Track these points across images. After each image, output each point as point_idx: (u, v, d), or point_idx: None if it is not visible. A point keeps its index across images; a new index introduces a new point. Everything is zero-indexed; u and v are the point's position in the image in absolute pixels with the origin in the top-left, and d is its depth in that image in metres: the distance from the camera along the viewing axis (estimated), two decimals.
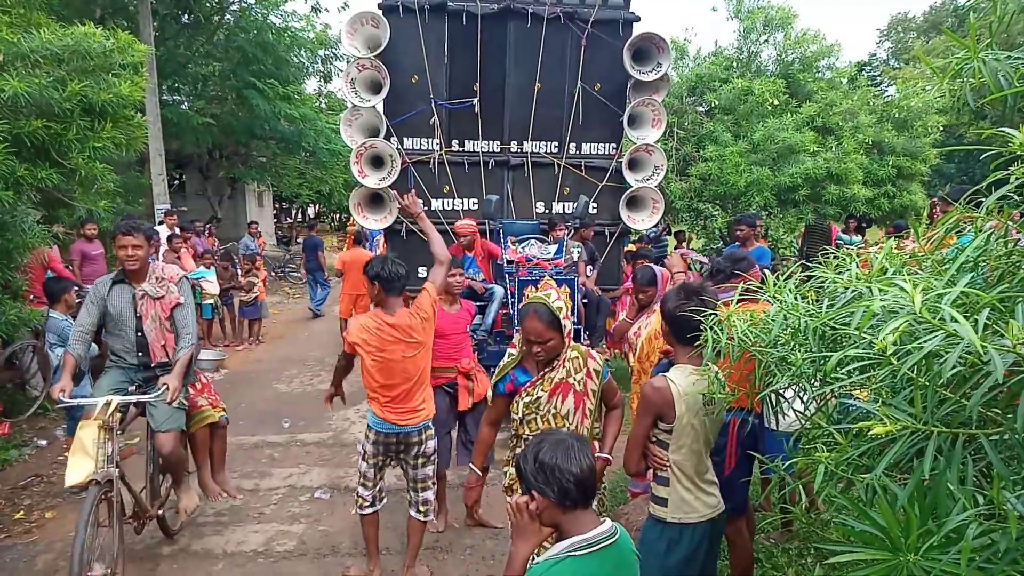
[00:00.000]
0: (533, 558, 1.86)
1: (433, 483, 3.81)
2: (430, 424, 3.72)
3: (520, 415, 2.87)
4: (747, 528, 3.41)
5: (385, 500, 3.85)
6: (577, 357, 2.87)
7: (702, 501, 2.53)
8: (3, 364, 6.16)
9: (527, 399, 2.84)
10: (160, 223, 10.60)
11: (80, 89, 5.00)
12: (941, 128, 13.24)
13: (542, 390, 2.82)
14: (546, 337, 2.71)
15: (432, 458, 3.77)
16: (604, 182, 7.35)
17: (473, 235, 6.29)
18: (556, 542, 1.82)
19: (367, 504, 3.71)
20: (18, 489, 5.03)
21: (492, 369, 5.81)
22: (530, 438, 2.73)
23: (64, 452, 5.41)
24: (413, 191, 3.96)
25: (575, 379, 2.84)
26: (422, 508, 3.75)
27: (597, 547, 1.75)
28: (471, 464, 3.05)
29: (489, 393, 3.01)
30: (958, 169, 22.52)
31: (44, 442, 5.86)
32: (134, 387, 3.93)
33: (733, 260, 3.75)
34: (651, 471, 2.62)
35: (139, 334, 3.89)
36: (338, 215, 28.96)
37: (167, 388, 3.62)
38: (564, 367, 2.82)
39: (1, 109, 4.78)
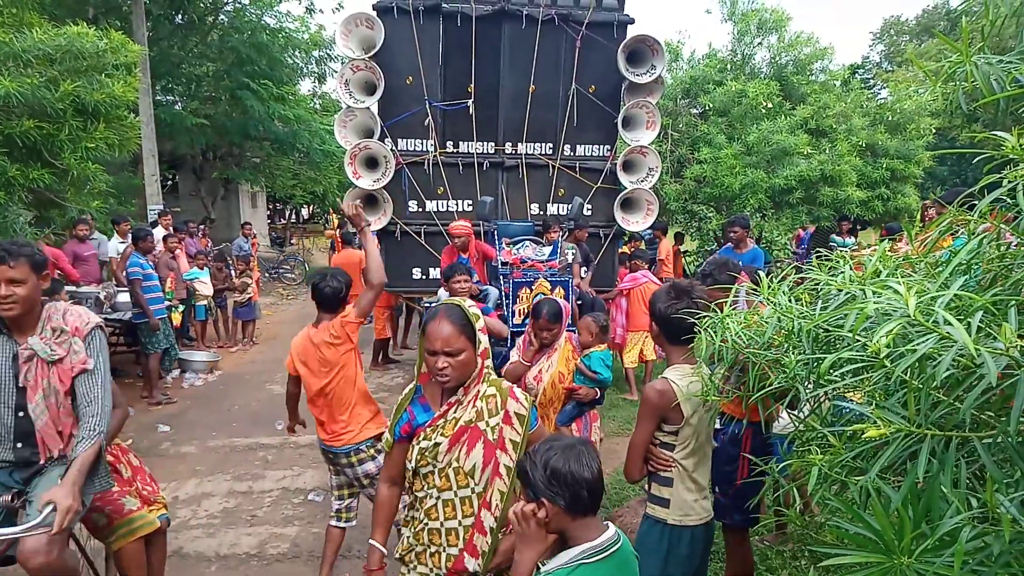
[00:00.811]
0: (538, 567, 1.84)
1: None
2: (362, 447, 3.57)
3: (414, 465, 2.17)
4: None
5: (354, 523, 3.80)
6: (494, 395, 2.16)
7: (700, 504, 2.53)
8: None
9: (424, 444, 2.14)
10: (154, 224, 10.56)
11: (73, 89, 4.99)
12: (934, 131, 13.32)
13: (442, 435, 2.12)
14: (455, 346, 2.06)
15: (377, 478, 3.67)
16: (598, 184, 7.37)
17: (467, 236, 6.29)
18: (560, 549, 1.80)
19: (333, 516, 3.77)
20: None
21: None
22: (427, 496, 2.18)
23: None
24: (359, 203, 3.83)
25: (487, 424, 2.13)
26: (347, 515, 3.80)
27: (606, 553, 1.74)
28: (370, 539, 2.33)
29: (386, 438, 2.33)
30: (951, 172, 22.63)
31: None
32: (11, 496, 2.58)
33: (718, 265, 3.61)
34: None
35: (20, 414, 2.55)
36: (332, 216, 28.95)
37: (53, 509, 2.26)
38: (474, 406, 2.14)
39: None
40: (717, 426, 3.18)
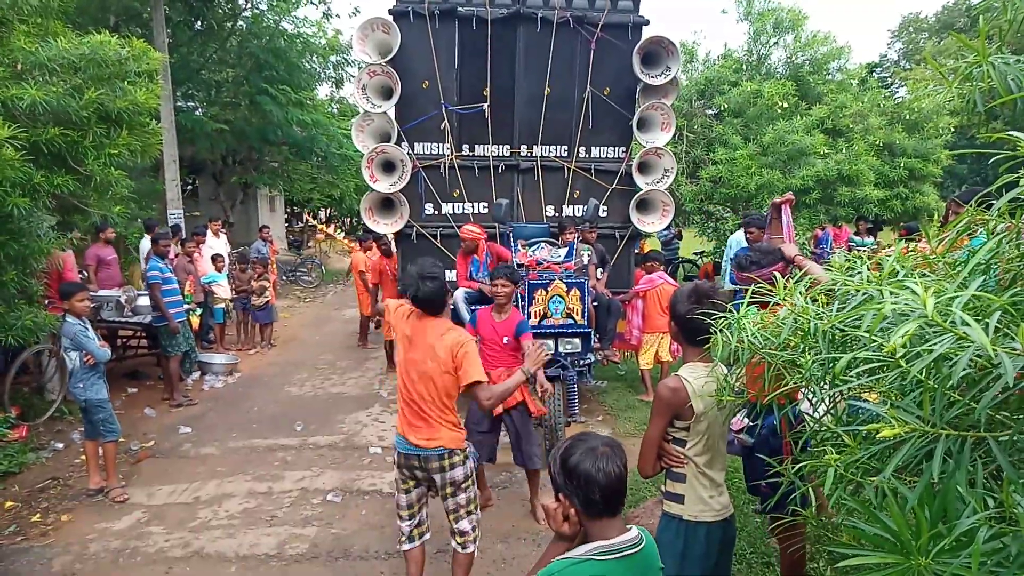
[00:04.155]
0: None
1: (468, 512, 3.40)
2: (457, 451, 3.32)
3: None
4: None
5: (427, 536, 3.55)
6: None
7: (717, 500, 2.54)
8: (20, 368, 6.24)
9: None
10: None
11: (96, 97, 5.07)
12: (953, 129, 13.16)
13: None
14: None
15: (464, 486, 3.36)
16: (614, 185, 7.37)
17: (475, 241, 6.30)
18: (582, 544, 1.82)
19: (405, 539, 3.45)
20: (35, 492, 5.08)
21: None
22: None
23: (80, 455, 5.47)
24: None
25: None
26: (459, 539, 3.42)
27: (619, 554, 1.74)
28: None
29: None
30: (971, 170, 22.33)
31: (61, 445, 5.92)
32: None
33: (763, 252, 3.64)
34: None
35: None
36: (349, 219, 29.12)
37: None
38: None
39: (19, 117, 4.85)
40: (750, 423, 3.17)
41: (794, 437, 2.92)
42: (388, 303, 3.54)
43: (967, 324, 1.18)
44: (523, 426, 4.57)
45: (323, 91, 21.53)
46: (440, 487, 3.34)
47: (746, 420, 3.21)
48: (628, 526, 1.84)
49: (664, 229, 10.31)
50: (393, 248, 8.83)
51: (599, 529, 1.78)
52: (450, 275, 7.12)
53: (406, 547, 3.45)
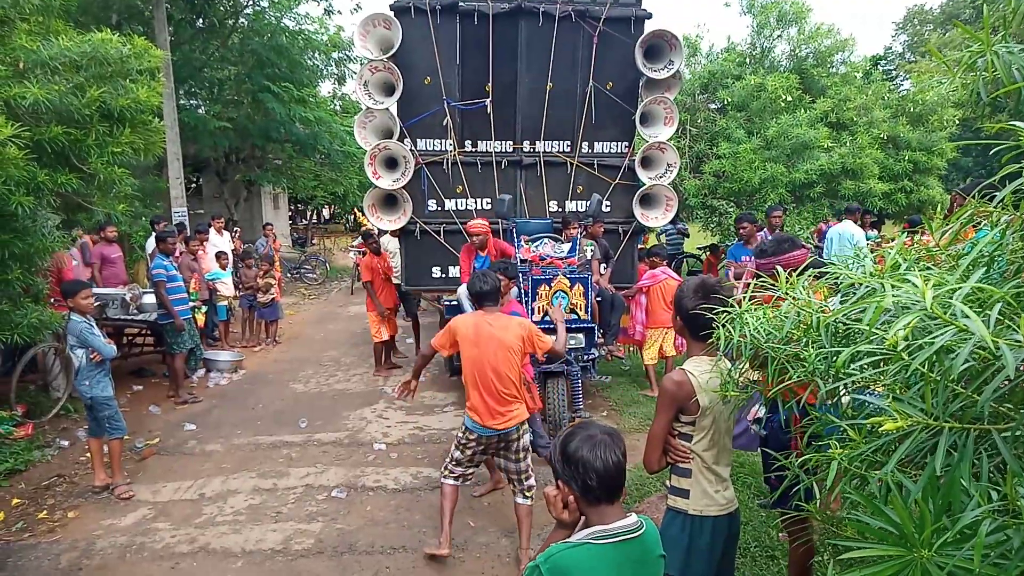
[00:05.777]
0: None
1: (532, 471, 4.09)
2: (526, 422, 4.03)
3: None
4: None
5: (470, 480, 4.16)
6: None
7: (722, 494, 2.54)
8: (26, 366, 6.27)
9: None
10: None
11: (98, 95, 5.07)
12: (958, 121, 13.11)
13: None
14: None
15: (528, 449, 4.07)
16: (617, 180, 7.34)
17: (485, 235, 6.32)
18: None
19: (451, 477, 4.03)
20: (41, 489, 5.11)
21: None
22: None
23: (86, 453, 5.50)
24: None
25: None
26: (528, 493, 4.03)
27: (617, 539, 1.76)
28: None
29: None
30: (976, 163, 22.21)
31: (67, 443, 5.95)
32: None
33: (778, 242, 3.65)
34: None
35: None
36: (352, 216, 29.19)
37: None
38: None
39: (22, 116, 4.85)
40: (761, 415, 3.16)
41: (802, 431, 2.92)
42: (454, 321, 4.02)
43: (967, 316, 1.17)
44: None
45: (325, 88, 21.56)
46: (515, 452, 3.99)
47: (763, 410, 3.21)
48: (628, 513, 1.85)
49: (669, 224, 10.32)
50: (385, 246, 8.86)
51: (598, 515, 1.81)
52: (454, 271, 7.14)
53: (449, 482, 4.02)
